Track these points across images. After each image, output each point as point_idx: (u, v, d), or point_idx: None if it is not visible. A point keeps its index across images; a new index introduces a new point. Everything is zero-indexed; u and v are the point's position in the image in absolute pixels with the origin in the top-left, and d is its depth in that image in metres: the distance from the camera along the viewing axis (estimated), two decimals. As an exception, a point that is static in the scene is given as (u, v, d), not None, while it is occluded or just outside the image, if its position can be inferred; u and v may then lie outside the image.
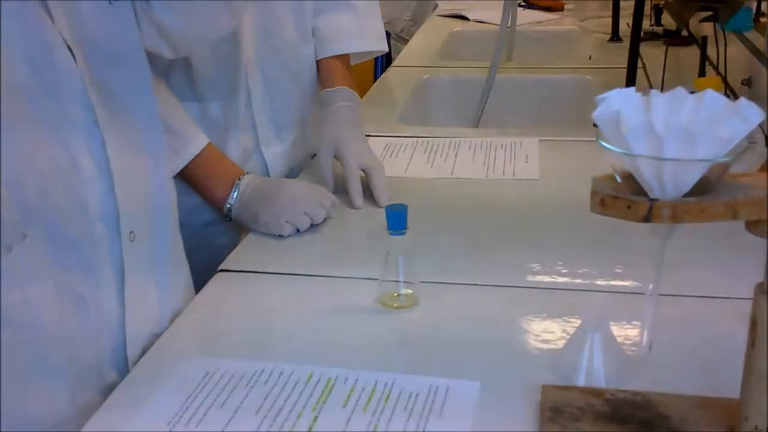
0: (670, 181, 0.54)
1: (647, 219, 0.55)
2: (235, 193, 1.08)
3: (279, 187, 1.08)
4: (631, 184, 0.57)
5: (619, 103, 0.57)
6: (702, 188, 0.55)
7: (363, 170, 1.14)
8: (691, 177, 0.54)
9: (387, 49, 1.35)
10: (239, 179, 1.09)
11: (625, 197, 0.55)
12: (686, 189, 0.55)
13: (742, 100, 0.55)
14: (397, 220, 0.85)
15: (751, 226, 0.55)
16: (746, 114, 0.54)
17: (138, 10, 0.83)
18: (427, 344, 0.81)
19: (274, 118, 1.21)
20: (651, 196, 0.56)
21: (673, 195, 0.55)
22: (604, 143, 0.57)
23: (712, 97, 0.56)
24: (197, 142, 1.08)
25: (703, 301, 0.86)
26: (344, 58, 1.27)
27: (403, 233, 0.86)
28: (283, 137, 1.24)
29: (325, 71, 1.25)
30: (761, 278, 0.56)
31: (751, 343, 0.57)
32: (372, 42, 1.30)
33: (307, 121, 1.28)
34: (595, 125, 1.63)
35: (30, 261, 0.70)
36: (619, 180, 0.58)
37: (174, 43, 0.89)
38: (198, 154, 1.08)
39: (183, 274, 0.93)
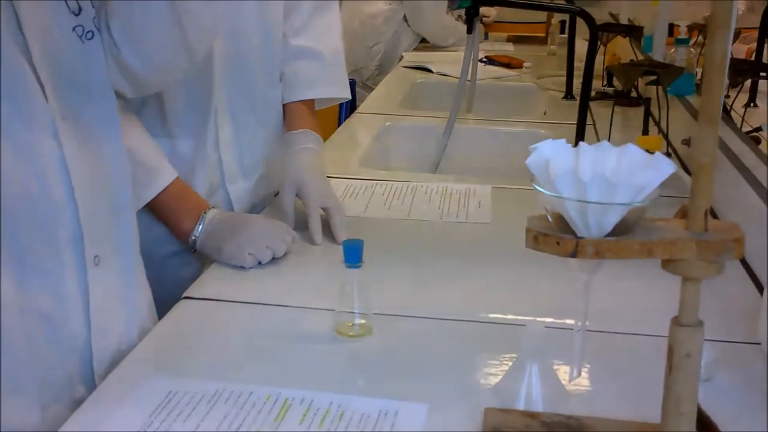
0: (593, 221, 0.61)
1: (574, 254, 0.62)
2: (201, 226, 1.13)
3: (243, 221, 1.14)
4: (561, 223, 0.64)
5: (551, 152, 0.64)
6: (623, 229, 0.63)
7: (323, 209, 1.21)
8: (611, 219, 0.61)
9: (350, 97, 1.44)
10: (205, 212, 1.14)
11: (554, 235, 0.63)
12: (608, 229, 0.62)
13: (657, 154, 0.63)
14: (353, 253, 0.92)
15: (666, 264, 0.62)
16: (659, 166, 0.62)
17: (105, 48, 0.89)
18: (380, 370, 0.86)
19: (240, 156, 1.28)
20: (578, 234, 0.63)
21: (597, 234, 0.62)
22: (536, 186, 0.64)
23: (632, 150, 0.64)
24: (166, 175, 1.14)
25: (630, 337, 0.93)
26: (309, 103, 1.35)
27: (359, 266, 0.92)
28: (248, 175, 1.30)
29: (290, 114, 1.33)
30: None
31: (668, 371, 0.64)
32: (336, 89, 1.38)
33: (271, 161, 1.34)
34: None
35: None
36: (550, 220, 0.65)
37: (134, 82, 0.95)
38: (166, 187, 1.13)
39: (146, 297, 0.98)
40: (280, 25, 1.29)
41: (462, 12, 3.20)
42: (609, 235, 0.63)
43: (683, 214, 0.65)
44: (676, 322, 0.64)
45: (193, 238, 1.13)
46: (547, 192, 0.62)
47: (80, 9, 0.85)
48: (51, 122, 0.79)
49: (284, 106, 1.33)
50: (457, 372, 0.86)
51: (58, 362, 0.81)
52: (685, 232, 0.62)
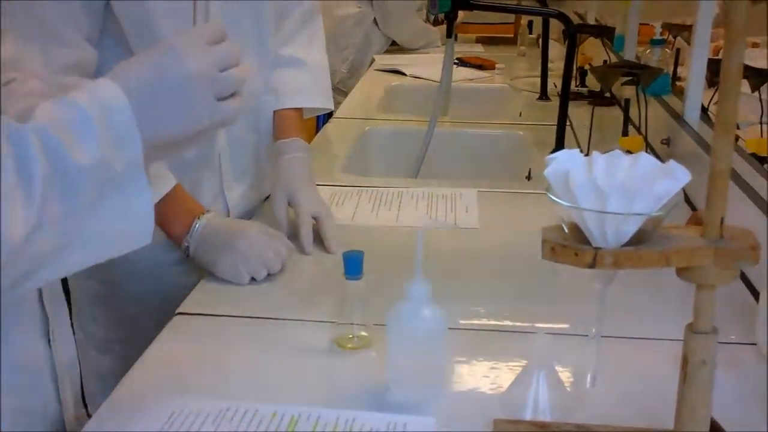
0: (611, 232, 0.61)
1: (592, 265, 0.62)
2: (194, 232, 1.10)
3: (237, 233, 1.10)
4: (577, 233, 0.64)
5: (567, 162, 0.64)
6: (639, 239, 0.63)
7: (314, 217, 1.19)
8: (630, 229, 0.61)
9: (332, 108, 1.44)
10: (198, 218, 1.11)
11: (572, 246, 0.62)
12: (625, 239, 0.62)
13: (672, 162, 0.63)
14: (354, 265, 0.90)
15: (681, 272, 0.62)
16: (676, 174, 0.62)
17: None
18: (384, 383, 0.85)
19: (233, 162, 1.26)
20: (594, 245, 0.63)
21: (614, 244, 0.62)
22: (553, 197, 0.64)
23: (646, 159, 0.64)
24: (167, 182, 1.11)
25: (639, 342, 0.93)
26: (298, 111, 1.33)
27: (359, 278, 0.91)
28: (241, 180, 1.29)
29: (279, 122, 1.31)
30: (690, 320, 0.63)
31: (683, 379, 0.64)
32: (323, 100, 1.37)
33: (263, 167, 1.33)
34: (527, 178, 1.72)
35: None
36: (566, 230, 0.65)
37: None
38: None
39: None
40: (272, 32, 1.27)
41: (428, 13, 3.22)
42: (625, 245, 0.62)
43: (696, 221, 0.66)
44: (690, 329, 0.64)
45: (186, 244, 1.10)
46: (565, 203, 0.62)
47: None
48: None
49: (273, 113, 1.31)
50: (462, 382, 0.86)
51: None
52: (701, 240, 0.62)
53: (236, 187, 1.28)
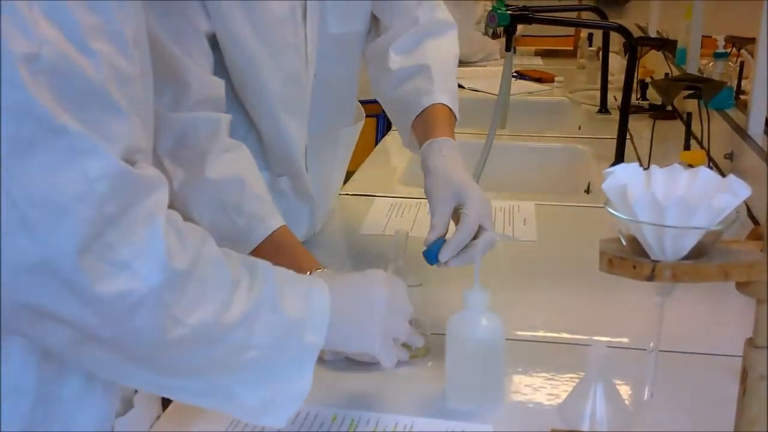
0: (670, 245, 0.62)
1: (650, 278, 0.62)
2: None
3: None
4: (635, 246, 0.65)
5: (625, 176, 0.65)
6: (697, 252, 0.63)
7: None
8: (688, 242, 0.62)
9: (457, 113, 1.24)
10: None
11: (630, 258, 0.63)
12: (684, 253, 0.62)
13: (731, 177, 0.64)
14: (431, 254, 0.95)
15: (741, 286, 0.62)
16: (735, 189, 0.62)
17: None
18: (441, 391, 0.87)
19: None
20: (652, 257, 0.64)
21: (672, 257, 0.63)
22: (612, 210, 0.65)
23: (705, 173, 0.65)
24: (269, 223, 1.00)
25: (698, 357, 0.93)
26: (431, 112, 1.17)
27: (433, 264, 0.95)
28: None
29: (414, 130, 1.17)
30: (750, 334, 0.63)
31: (742, 392, 0.64)
32: (446, 98, 1.20)
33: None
34: (586, 191, 1.71)
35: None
36: (623, 242, 0.66)
37: None
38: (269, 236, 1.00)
39: None
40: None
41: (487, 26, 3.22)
42: (684, 258, 0.63)
43: (757, 235, 0.66)
44: (750, 343, 0.64)
45: None
46: (624, 217, 0.63)
47: None
48: None
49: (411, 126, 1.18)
50: (519, 392, 0.87)
51: None
52: (761, 254, 0.62)
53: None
